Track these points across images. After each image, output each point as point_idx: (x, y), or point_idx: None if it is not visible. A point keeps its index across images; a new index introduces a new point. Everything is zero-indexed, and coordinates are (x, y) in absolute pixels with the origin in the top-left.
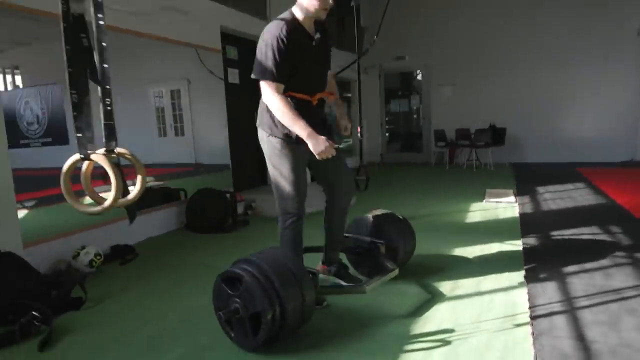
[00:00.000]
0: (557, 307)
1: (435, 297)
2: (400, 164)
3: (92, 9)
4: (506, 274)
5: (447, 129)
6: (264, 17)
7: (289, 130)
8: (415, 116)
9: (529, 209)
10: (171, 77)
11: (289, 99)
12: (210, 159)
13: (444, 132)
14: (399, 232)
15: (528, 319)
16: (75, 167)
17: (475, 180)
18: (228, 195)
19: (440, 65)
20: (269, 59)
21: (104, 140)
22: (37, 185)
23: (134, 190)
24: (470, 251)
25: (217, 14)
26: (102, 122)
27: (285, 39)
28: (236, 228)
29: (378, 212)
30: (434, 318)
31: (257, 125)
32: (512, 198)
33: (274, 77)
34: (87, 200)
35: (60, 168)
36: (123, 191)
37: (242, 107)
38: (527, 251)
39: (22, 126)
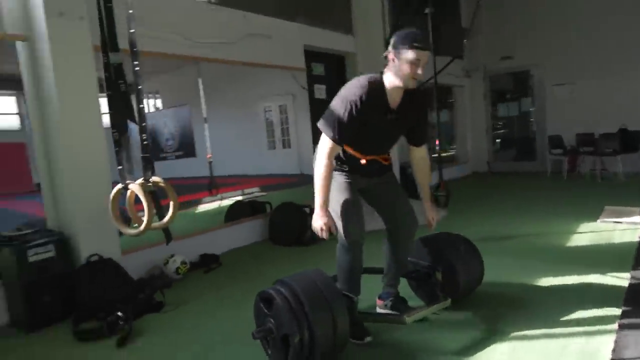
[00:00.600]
0: None
1: (495, 335)
2: (510, 173)
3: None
4: (594, 315)
5: (565, 134)
6: (350, 32)
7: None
8: (530, 120)
9: None
10: (279, 92)
11: (334, 161)
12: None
13: (560, 137)
14: (460, 257)
15: None
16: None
17: (597, 193)
18: (307, 209)
19: (555, 63)
20: (336, 118)
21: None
22: (163, 194)
23: (167, 215)
24: (558, 282)
25: (300, 34)
26: (141, 154)
27: (360, 106)
28: (315, 242)
29: (442, 233)
30: None
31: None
32: (637, 218)
33: (335, 139)
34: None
35: (188, 178)
36: (157, 215)
37: None
38: (633, 288)
39: (161, 142)
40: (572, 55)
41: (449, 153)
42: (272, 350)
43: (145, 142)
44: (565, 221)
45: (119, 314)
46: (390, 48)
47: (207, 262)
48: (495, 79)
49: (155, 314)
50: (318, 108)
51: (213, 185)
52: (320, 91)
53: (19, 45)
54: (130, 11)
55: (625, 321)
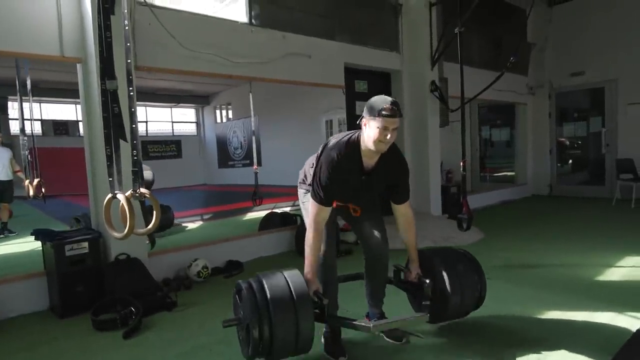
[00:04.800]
0: None
1: None
2: (573, 197)
3: (125, 84)
4: (584, 355)
5: (638, 158)
6: (395, 50)
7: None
8: (600, 141)
9: None
10: (338, 106)
11: (323, 226)
12: None
13: (632, 161)
14: (456, 276)
15: None
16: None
17: None
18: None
19: (630, 81)
20: (322, 182)
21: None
22: (223, 199)
23: (150, 224)
24: (567, 317)
25: (341, 53)
26: (131, 168)
27: (337, 169)
28: (339, 256)
29: (449, 249)
30: None
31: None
32: None
33: (318, 200)
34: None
35: (249, 185)
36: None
37: None
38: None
39: (230, 151)
40: None
41: (506, 173)
42: (241, 340)
43: (135, 158)
44: (609, 254)
45: (132, 308)
46: (363, 115)
47: (230, 268)
48: (562, 96)
49: (166, 312)
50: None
51: (257, 195)
52: (362, 108)
53: (78, 66)
54: (128, 44)
55: None
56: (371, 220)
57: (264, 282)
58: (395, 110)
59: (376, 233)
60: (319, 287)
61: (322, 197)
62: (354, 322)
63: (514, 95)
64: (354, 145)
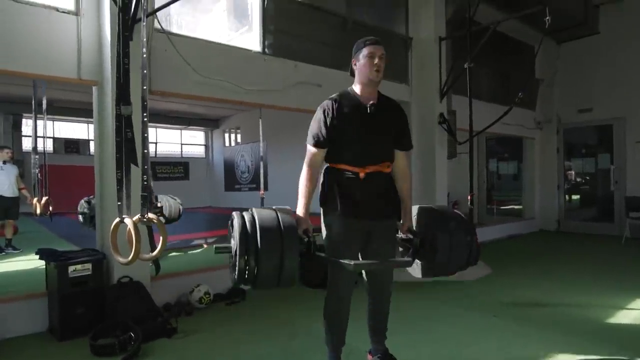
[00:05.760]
0: None
1: None
2: (582, 234)
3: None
4: None
5: None
6: (404, 82)
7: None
8: (608, 178)
9: None
10: None
11: (317, 169)
12: None
13: None
14: (446, 231)
15: None
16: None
17: None
18: None
19: (639, 119)
20: (312, 127)
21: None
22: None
23: (156, 249)
24: None
25: (350, 83)
26: (140, 193)
27: (330, 108)
28: None
29: (445, 207)
30: None
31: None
32: None
33: (313, 141)
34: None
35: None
36: (152, 248)
37: None
38: None
39: (237, 174)
40: None
41: (514, 206)
42: (230, 267)
43: (145, 183)
44: (619, 295)
45: (132, 334)
46: (352, 59)
47: (232, 295)
48: (570, 132)
49: (166, 339)
50: None
51: None
52: None
53: (94, 89)
54: (145, 71)
55: None
56: (381, 255)
57: (255, 215)
58: (378, 39)
59: (388, 274)
60: (309, 226)
61: (315, 136)
62: (339, 261)
63: (521, 130)
64: (347, 91)
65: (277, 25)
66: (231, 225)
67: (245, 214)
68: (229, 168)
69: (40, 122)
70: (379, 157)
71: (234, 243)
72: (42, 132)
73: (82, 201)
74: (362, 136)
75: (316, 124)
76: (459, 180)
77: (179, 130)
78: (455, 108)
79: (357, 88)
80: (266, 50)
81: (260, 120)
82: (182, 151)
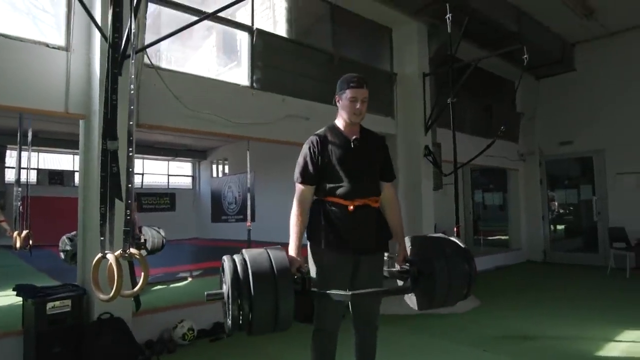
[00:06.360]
0: None
1: None
2: (568, 265)
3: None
4: None
5: (630, 227)
6: (390, 115)
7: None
8: (591, 209)
9: None
10: None
11: (307, 206)
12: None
13: (623, 230)
14: (443, 260)
15: None
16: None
17: None
18: None
19: (618, 151)
20: (299, 164)
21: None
22: (215, 255)
23: (137, 285)
24: None
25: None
26: (123, 228)
27: (316, 145)
28: None
29: (442, 237)
30: None
31: None
32: None
33: (301, 179)
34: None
35: (242, 241)
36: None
37: None
38: None
39: (224, 205)
40: (638, 142)
41: (500, 237)
42: (223, 314)
43: (128, 217)
44: (608, 326)
45: None
46: (336, 95)
47: (217, 331)
48: (552, 163)
49: None
50: None
51: None
52: None
53: (81, 122)
54: (132, 107)
55: None
56: (368, 288)
57: (246, 257)
58: (361, 81)
59: (374, 310)
60: (302, 263)
61: (301, 174)
62: (335, 292)
63: (505, 161)
64: (331, 126)
65: (265, 61)
66: (222, 270)
67: (235, 256)
68: (216, 199)
69: (24, 154)
70: (367, 191)
71: (226, 288)
72: (26, 164)
73: (64, 237)
74: (349, 170)
75: (302, 161)
76: (445, 211)
77: (167, 162)
78: (440, 141)
79: (339, 123)
80: (254, 84)
81: (247, 152)
82: (168, 182)
